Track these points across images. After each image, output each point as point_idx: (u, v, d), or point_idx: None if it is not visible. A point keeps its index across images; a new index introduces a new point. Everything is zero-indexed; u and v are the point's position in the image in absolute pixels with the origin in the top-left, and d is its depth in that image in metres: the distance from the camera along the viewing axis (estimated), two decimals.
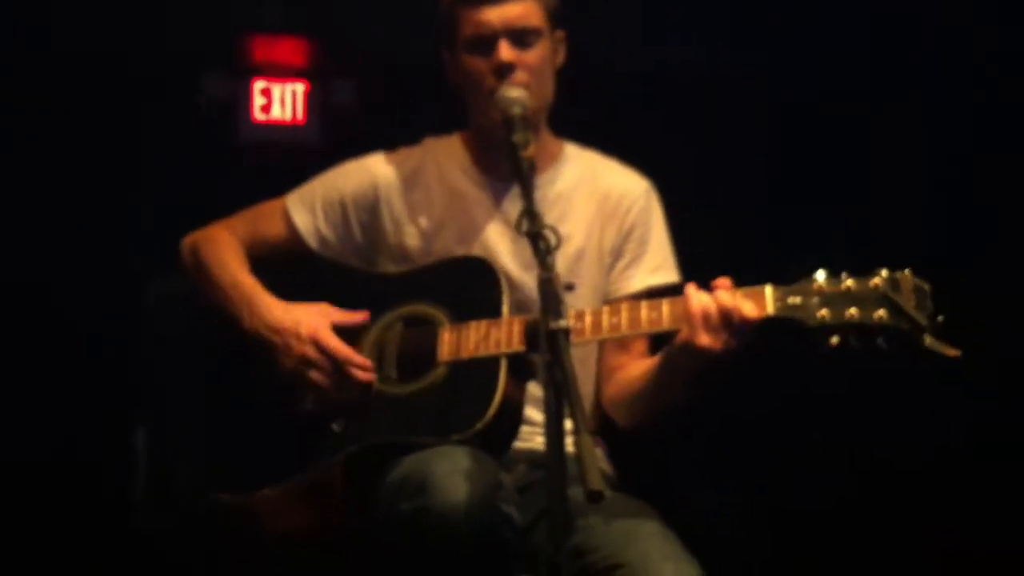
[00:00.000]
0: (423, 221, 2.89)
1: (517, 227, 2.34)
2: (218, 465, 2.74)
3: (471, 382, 2.60)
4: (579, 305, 2.71)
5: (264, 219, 2.97)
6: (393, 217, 2.91)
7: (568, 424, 2.14)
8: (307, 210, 2.93)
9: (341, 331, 2.74)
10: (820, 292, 2.46)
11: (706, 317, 2.48)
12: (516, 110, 2.61)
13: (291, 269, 2.91)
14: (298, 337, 2.68)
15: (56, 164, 4.13)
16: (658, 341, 2.75)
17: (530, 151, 2.51)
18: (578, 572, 2.54)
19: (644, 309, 2.57)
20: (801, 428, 4.23)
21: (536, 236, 2.32)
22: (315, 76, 4.50)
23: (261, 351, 2.74)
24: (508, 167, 2.57)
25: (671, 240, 2.99)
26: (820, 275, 2.47)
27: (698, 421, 3.69)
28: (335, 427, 2.67)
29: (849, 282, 2.45)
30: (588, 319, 2.59)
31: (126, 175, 4.23)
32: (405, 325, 2.75)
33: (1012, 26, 4.19)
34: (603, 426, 2.95)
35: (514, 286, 2.75)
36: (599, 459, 2.84)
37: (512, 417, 2.62)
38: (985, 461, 4.17)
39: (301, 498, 2.64)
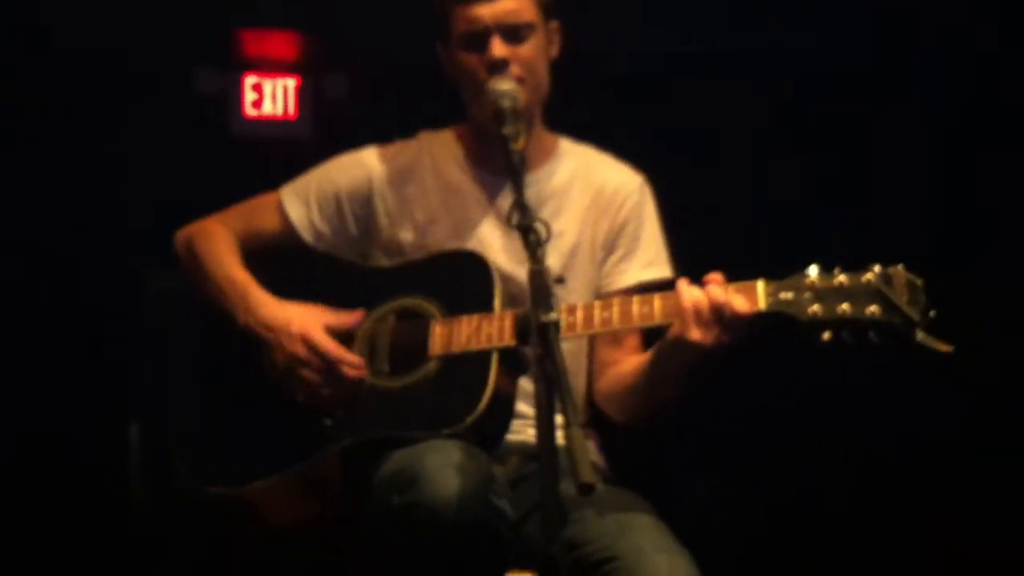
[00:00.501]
0: (417, 215, 2.89)
1: (508, 219, 2.34)
2: (211, 459, 2.74)
3: (462, 376, 2.61)
4: (571, 299, 2.72)
5: (258, 213, 2.96)
6: (387, 210, 2.91)
7: (560, 417, 2.13)
8: (301, 203, 2.93)
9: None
10: (812, 287, 2.46)
11: (697, 312, 2.49)
12: (506, 103, 2.61)
13: (285, 262, 2.91)
14: (289, 335, 2.69)
15: (49, 160, 4.15)
16: (651, 336, 2.75)
17: (520, 144, 2.51)
18: (571, 565, 2.54)
19: (636, 304, 2.58)
20: (795, 420, 4.25)
21: (527, 229, 2.31)
22: (306, 71, 4.49)
23: (254, 346, 2.74)
24: (502, 161, 2.57)
25: (664, 235, 3.00)
26: (812, 270, 2.47)
27: (692, 413, 3.68)
28: (327, 421, 2.67)
29: (841, 277, 2.45)
30: (580, 313, 2.60)
31: (118, 171, 4.23)
32: (397, 318, 2.75)
33: (1012, 26, 4.19)
34: (596, 418, 2.96)
35: (506, 280, 2.74)
36: (590, 452, 2.83)
37: (503, 410, 2.63)
38: (980, 456, 4.20)
39: (294, 491, 2.65)
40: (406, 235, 2.89)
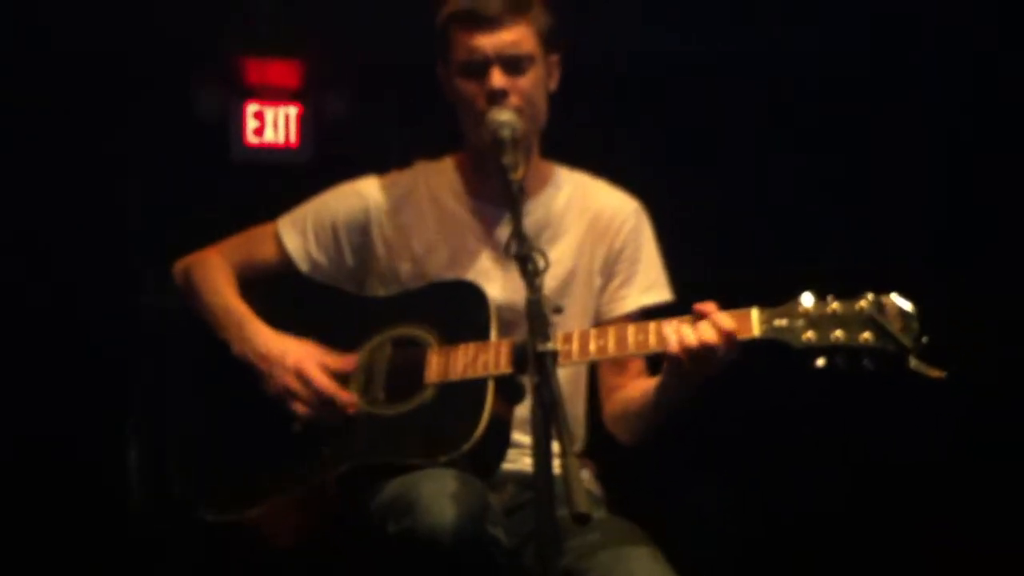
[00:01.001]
0: (414, 245, 2.91)
1: (506, 249, 2.37)
2: (208, 483, 2.77)
3: (459, 404, 2.62)
4: (569, 326, 2.74)
5: (256, 243, 2.99)
6: (384, 240, 2.93)
7: (556, 446, 2.15)
8: (298, 234, 2.95)
9: (330, 348, 2.78)
10: (806, 315, 2.48)
11: (687, 352, 2.51)
12: (506, 133, 2.64)
13: (282, 293, 2.93)
14: (284, 367, 2.71)
15: (53, 181, 4.17)
16: (655, 358, 2.75)
17: (519, 174, 2.53)
18: None
19: (631, 332, 2.60)
20: (793, 426, 4.24)
21: (524, 259, 2.35)
22: (308, 98, 4.50)
23: (252, 372, 2.76)
24: (499, 190, 2.62)
25: (662, 254, 3.02)
26: (806, 298, 2.50)
27: (689, 428, 3.68)
28: (323, 449, 2.68)
29: (835, 305, 2.47)
30: (576, 342, 2.62)
31: (120, 195, 4.26)
32: (394, 347, 2.77)
33: (1012, 26, 4.19)
34: (594, 447, 2.97)
35: (503, 309, 2.76)
36: (586, 481, 2.85)
37: (500, 438, 2.65)
38: (978, 459, 4.20)
39: (290, 516, 2.68)
40: (403, 265, 2.91)
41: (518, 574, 2.55)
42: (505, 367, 2.60)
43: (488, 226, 2.91)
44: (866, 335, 2.42)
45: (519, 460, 2.75)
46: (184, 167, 4.33)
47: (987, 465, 4.18)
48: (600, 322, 2.91)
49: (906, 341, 2.39)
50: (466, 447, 2.55)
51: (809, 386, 3.98)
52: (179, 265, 2.99)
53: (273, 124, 4.48)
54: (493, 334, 2.68)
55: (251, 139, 4.47)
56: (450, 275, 2.86)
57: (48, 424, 4.03)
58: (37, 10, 4.11)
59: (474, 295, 2.75)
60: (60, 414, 4.04)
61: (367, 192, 2.96)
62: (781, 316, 2.49)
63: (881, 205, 4.35)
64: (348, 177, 3.03)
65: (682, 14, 4.38)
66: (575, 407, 2.92)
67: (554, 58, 2.90)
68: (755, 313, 2.51)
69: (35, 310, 4.09)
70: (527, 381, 2.25)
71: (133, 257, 4.12)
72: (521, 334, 2.50)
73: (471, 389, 2.62)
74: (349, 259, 2.94)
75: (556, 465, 2.19)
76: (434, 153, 3.05)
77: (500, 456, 2.67)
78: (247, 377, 2.76)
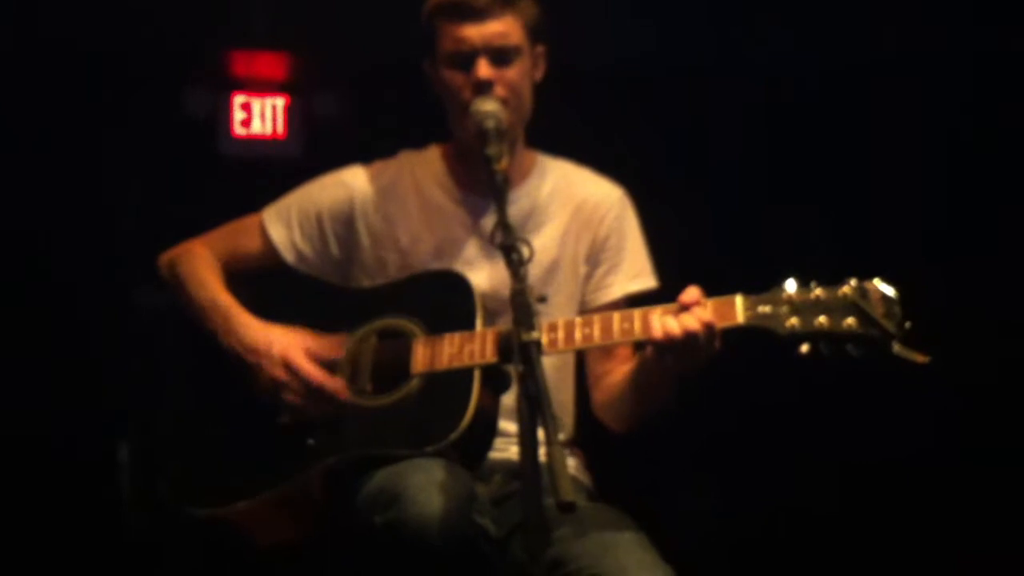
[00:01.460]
0: (399, 235, 2.93)
1: (491, 239, 2.39)
2: (194, 478, 2.77)
3: (445, 394, 2.63)
4: (554, 315, 2.76)
5: (241, 234, 3.00)
6: (369, 230, 2.94)
7: (542, 435, 2.16)
8: (283, 224, 2.96)
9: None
10: (790, 301, 2.50)
11: (670, 341, 2.52)
12: (490, 123, 2.66)
13: (268, 284, 2.94)
14: (270, 357, 2.72)
15: (37, 178, 4.17)
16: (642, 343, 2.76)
17: (504, 164, 2.56)
18: None
19: (616, 320, 2.61)
20: (787, 427, 4.25)
21: (509, 248, 2.37)
22: (296, 90, 4.51)
23: (238, 366, 2.77)
24: (484, 180, 2.63)
25: (649, 244, 3.03)
26: (790, 284, 2.51)
27: (679, 425, 3.69)
28: (310, 441, 2.69)
29: (818, 291, 2.49)
30: (561, 331, 2.63)
31: (107, 189, 4.25)
32: (380, 338, 2.79)
33: (1013, 26, 4.19)
34: (582, 435, 2.99)
35: (488, 299, 2.77)
36: (573, 469, 2.87)
37: (486, 428, 2.66)
38: (974, 460, 4.22)
39: (277, 511, 2.68)
40: (389, 255, 2.92)
41: (506, 564, 2.56)
42: (491, 357, 2.62)
43: (473, 216, 2.92)
44: (850, 321, 2.44)
45: (506, 449, 2.76)
46: (171, 159, 4.33)
47: (982, 464, 4.19)
48: (586, 310, 2.93)
49: (889, 326, 2.41)
50: (453, 437, 2.57)
51: (802, 384, 4.03)
52: (164, 258, 3.00)
53: (260, 116, 4.48)
54: (479, 324, 2.70)
55: (239, 131, 4.47)
56: (436, 265, 2.88)
57: (38, 421, 4.05)
58: (23, 4, 4.11)
59: (460, 285, 2.76)
60: (49, 412, 4.05)
61: (352, 182, 2.98)
62: (765, 303, 2.51)
63: (881, 205, 4.35)
64: (338, 167, 3.04)
65: (681, 14, 4.38)
66: (563, 395, 2.94)
67: (540, 49, 2.92)
68: (739, 300, 2.53)
69: (25, 306, 4.10)
70: (513, 370, 2.26)
71: (121, 251, 4.12)
72: (507, 323, 2.50)
73: (457, 379, 2.63)
74: (334, 249, 2.95)
75: (543, 454, 2.19)
76: (423, 144, 3.06)
77: (487, 446, 2.68)
78: (233, 371, 2.77)
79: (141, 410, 2.95)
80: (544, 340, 2.44)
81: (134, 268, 3.22)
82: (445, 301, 2.75)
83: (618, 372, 2.87)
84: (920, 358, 2.40)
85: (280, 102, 4.50)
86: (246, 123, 4.48)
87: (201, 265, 2.91)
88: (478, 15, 2.79)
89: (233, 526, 2.71)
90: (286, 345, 2.72)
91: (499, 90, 2.79)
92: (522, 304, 2.27)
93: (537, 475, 2.17)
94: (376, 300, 2.84)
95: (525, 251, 2.35)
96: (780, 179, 4.40)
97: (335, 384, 2.69)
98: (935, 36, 4.30)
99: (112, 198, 4.28)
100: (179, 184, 4.31)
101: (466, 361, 2.64)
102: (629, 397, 2.80)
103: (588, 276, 2.96)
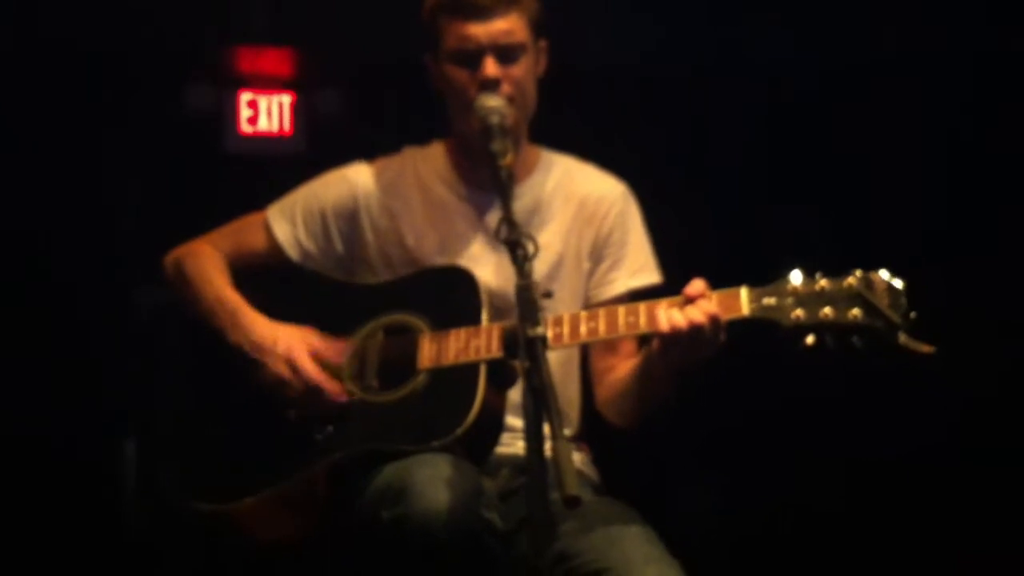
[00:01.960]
0: (403, 231, 2.95)
1: (496, 235, 2.40)
2: (199, 474, 2.80)
3: (451, 389, 2.66)
4: (558, 311, 2.77)
5: (246, 232, 3.02)
6: (373, 227, 2.96)
7: (548, 430, 2.17)
8: (288, 222, 2.98)
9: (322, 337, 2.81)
10: (795, 293, 2.51)
11: (676, 334, 2.53)
12: (495, 119, 2.68)
13: (273, 282, 2.96)
14: (274, 355, 2.75)
15: (41, 177, 4.19)
16: (646, 338, 2.77)
17: (508, 160, 2.58)
18: None
19: (621, 313, 2.63)
20: (790, 424, 4.26)
21: (514, 244, 2.38)
22: (302, 87, 4.52)
23: (244, 364, 2.80)
24: (488, 176, 2.65)
25: (652, 240, 3.05)
26: (795, 276, 2.53)
27: (684, 421, 3.72)
28: (317, 436, 2.72)
29: (823, 282, 2.50)
30: (566, 325, 2.65)
31: (113, 187, 4.27)
32: (386, 334, 2.81)
33: (1012, 26, 4.19)
34: (589, 430, 3.00)
35: (494, 295, 2.79)
36: (580, 464, 2.88)
37: (492, 423, 2.68)
38: (976, 458, 4.23)
39: (282, 508, 2.70)
40: (393, 251, 2.94)
41: (512, 558, 2.56)
42: (496, 351, 2.63)
43: (477, 211, 2.95)
44: (855, 312, 2.45)
45: (513, 444, 2.79)
46: (177, 157, 4.34)
47: (983, 463, 4.21)
48: (589, 306, 2.94)
49: (895, 317, 2.42)
50: (459, 432, 2.58)
51: (804, 383, 4.05)
52: (169, 258, 3.02)
53: (267, 113, 4.50)
54: (485, 319, 2.72)
55: (245, 128, 4.49)
56: (440, 261, 2.90)
57: (38, 421, 4.06)
58: (26, 3, 4.12)
59: (465, 280, 2.78)
60: (50, 411, 4.07)
61: (355, 179, 2.99)
62: (770, 295, 2.52)
63: (880, 205, 4.35)
64: (343, 164, 3.06)
65: (682, 13, 4.39)
66: (568, 390, 2.95)
67: (542, 44, 2.94)
68: (744, 292, 2.54)
69: (25, 305, 4.12)
70: (519, 366, 2.27)
71: (125, 249, 4.14)
72: (512, 319, 2.51)
73: (463, 374, 2.65)
74: (339, 246, 2.97)
75: (549, 449, 2.18)
76: (430, 140, 3.08)
77: (493, 440, 2.70)
78: (240, 368, 2.80)
79: (146, 407, 2.97)
80: (549, 335, 2.45)
81: (138, 266, 3.24)
82: (451, 297, 2.77)
83: (621, 368, 2.89)
84: (925, 348, 2.41)
85: (287, 99, 4.52)
86: (252, 120, 4.50)
87: (207, 264, 2.94)
88: (484, 13, 2.81)
89: (236, 523, 2.73)
90: (290, 343, 2.75)
91: (505, 88, 2.81)
92: (527, 300, 2.28)
93: (543, 470, 2.18)
94: (382, 296, 2.86)
95: (530, 247, 2.36)
96: (780, 179, 4.41)
97: (334, 387, 2.72)
98: (935, 36, 4.31)
99: (116, 196, 4.30)
100: (185, 181, 4.32)
101: (472, 356, 2.66)
102: (632, 393, 2.81)
103: (591, 272, 2.98)
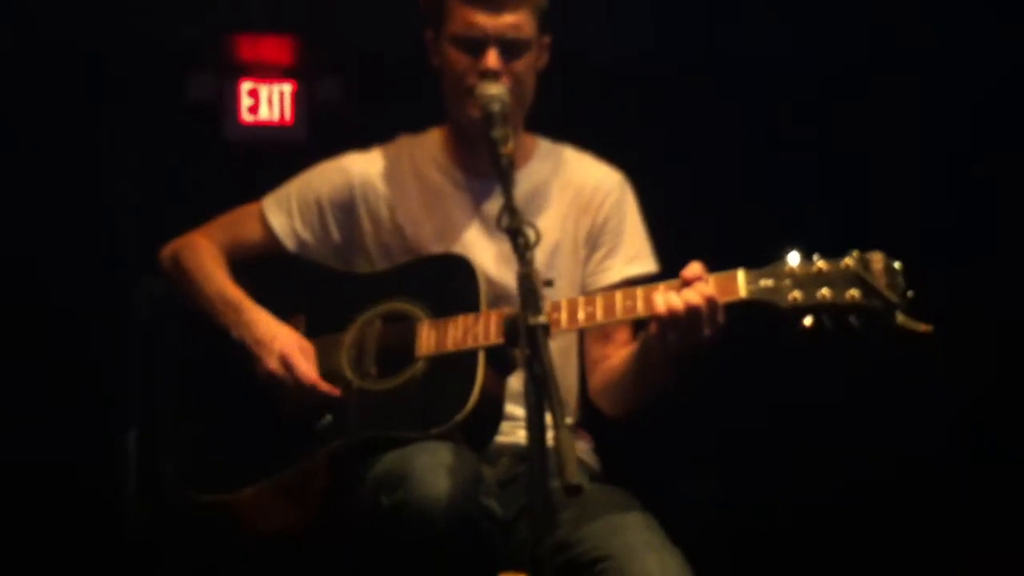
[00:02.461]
0: (400, 219, 2.97)
1: (497, 223, 2.41)
2: (199, 464, 2.83)
3: (450, 376, 2.68)
4: (556, 298, 2.77)
5: (242, 224, 3.05)
6: (370, 216, 2.98)
7: (549, 418, 2.18)
8: (283, 212, 3.01)
9: (321, 325, 2.84)
10: (792, 274, 2.52)
11: (674, 317, 2.54)
12: (495, 106, 2.68)
13: (270, 272, 2.98)
14: (270, 351, 2.77)
15: (43, 168, 4.21)
16: (640, 329, 2.80)
17: (509, 147, 2.58)
18: (563, 565, 2.60)
19: (619, 298, 2.65)
20: (790, 419, 4.29)
21: (515, 232, 2.38)
22: (303, 75, 4.54)
23: (245, 353, 2.83)
24: (485, 163, 2.68)
25: (649, 230, 3.06)
26: (792, 258, 2.54)
27: (684, 412, 3.74)
28: (316, 426, 2.75)
29: (821, 263, 2.51)
30: (564, 310, 2.67)
31: (114, 177, 4.28)
32: (384, 322, 2.83)
33: (1013, 25, 4.19)
34: (589, 419, 3.02)
35: (492, 282, 2.82)
36: (581, 452, 2.91)
37: (492, 410, 2.70)
38: (975, 457, 4.26)
39: (283, 496, 2.74)
40: (390, 240, 2.96)
41: (512, 546, 2.59)
42: (495, 338, 2.65)
43: (474, 199, 2.97)
44: (853, 292, 2.46)
45: (513, 433, 2.82)
46: (179, 147, 4.36)
47: (982, 462, 4.23)
48: (584, 293, 2.96)
49: (892, 297, 2.43)
50: (458, 418, 2.61)
51: (809, 378, 4.07)
52: (166, 252, 3.05)
53: (268, 102, 4.51)
54: (483, 306, 2.74)
55: (246, 117, 4.50)
56: (437, 248, 2.92)
57: (40, 425, 4.08)
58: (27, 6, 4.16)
59: (463, 267, 2.81)
60: (50, 404, 4.09)
61: (351, 168, 3.02)
62: (767, 276, 2.53)
63: (880, 205, 4.35)
64: (343, 153, 3.07)
65: (683, 11, 4.39)
66: (568, 379, 2.97)
67: (546, 39, 2.95)
68: (741, 274, 2.56)
69: (27, 296, 4.14)
70: (518, 354, 2.29)
71: (127, 239, 4.16)
72: (511, 307, 2.53)
73: (462, 361, 2.67)
74: (335, 236, 2.99)
75: (550, 437, 2.21)
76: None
77: (493, 427, 2.73)
78: (240, 359, 2.82)
79: (146, 398, 3.00)
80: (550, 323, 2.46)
81: (139, 258, 3.26)
82: (449, 284, 2.79)
83: (616, 357, 2.91)
84: (923, 328, 2.42)
85: (287, 88, 4.54)
86: (253, 109, 4.51)
87: (205, 258, 2.96)
88: (495, 4, 2.82)
89: (236, 514, 2.77)
90: (287, 342, 2.78)
91: (505, 80, 2.82)
92: (529, 288, 2.29)
93: (544, 458, 2.19)
94: (380, 285, 2.88)
95: (531, 234, 2.36)
96: (780, 178, 4.40)
97: (327, 387, 2.74)
98: (935, 36, 4.29)
99: (117, 185, 4.32)
100: (187, 171, 4.34)
101: (470, 343, 2.68)
102: (628, 381, 2.83)
103: (587, 259, 3.00)
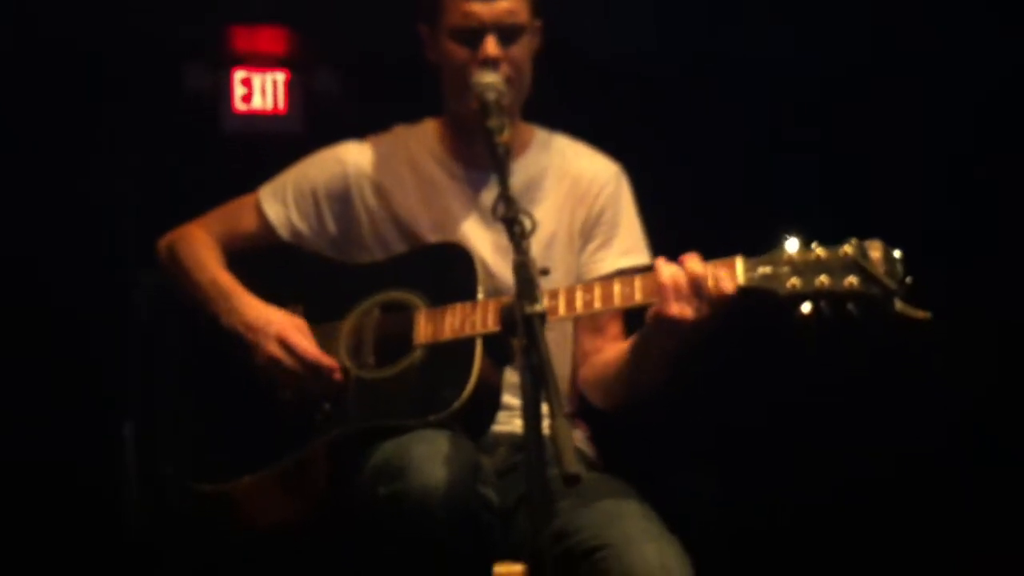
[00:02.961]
0: (396, 209, 3.01)
1: (493, 212, 2.44)
2: (198, 455, 2.88)
3: (448, 364, 2.72)
4: (553, 287, 2.79)
5: (238, 215, 3.09)
6: (366, 206, 3.02)
7: (546, 408, 2.22)
8: (279, 203, 3.05)
9: (318, 315, 2.88)
10: (790, 262, 2.56)
11: (676, 286, 2.58)
12: (491, 95, 2.73)
13: (267, 263, 3.02)
14: (267, 335, 2.81)
15: (37, 158, 4.25)
16: (632, 325, 2.85)
17: (505, 137, 2.61)
18: (561, 555, 2.63)
19: (616, 285, 2.69)
20: (787, 412, 4.31)
21: (511, 221, 2.42)
22: (296, 65, 4.58)
23: (241, 343, 2.87)
24: (481, 153, 2.73)
25: (642, 223, 3.11)
26: (790, 245, 2.58)
27: (683, 407, 3.78)
28: (314, 415, 2.79)
29: (819, 251, 2.55)
30: (561, 297, 2.71)
31: (108, 168, 4.32)
32: (382, 311, 2.87)
33: (1013, 25, 4.23)
34: (585, 408, 3.07)
35: (489, 272, 2.86)
36: (578, 441, 2.95)
37: (489, 398, 2.75)
38: (974, 455, 4.29)
39: (281, 487, 2.78)
40: (386, 230, 3.00)
41: (510, 535, 2.63)
42: (493, 326, 2.69)
43: (470, 189, 3.01)
44: (851, 279, 2.49)
45: (510, 422, 2.86)
46: (173, 137, 4.39)
47: (981, 462, 4.27)
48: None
49: (891, 284, 2.46)
50: (456, 406, 2.65)
51: (813, 378, 4.10)
52: (162, 243, 3.09)
53: (261, 91, 4.55)
54: (481, 295, 2.78)
55: (239, 106, 4.54)
56: (434, 238, 2.96)
57: (38, 417, 4.10)
58: None
59: (460, 256, 2.85)
60: (50, 408, 4.12)
61: (347, 158, 3.06)
62: (766, 263, 2.57)
63: (879, 205, 4.39)
64: (337, 142, 3.11)
65: (684, 10, 4.43)
66: (563, 368, 3.01)
67: (538, 24, 3.00)
68: (740, 261, 2.59)
69: (24, 288, 4.16)
70: (516, 343, 2.30)
71: (123, 231, 4.19)
72: (508, 296, 2.56)
73: (460, 350, 2.71)
74: (331, 226, 3.04)
75: (547, 427, 2.23)
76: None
77: (491, 416, 2.77)
78: (236, 350, 2.86)
79: (146, 389, 3.03)
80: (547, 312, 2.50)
81: (136, 247, 3.29)
82: (446, 273, 2.84)
83: (608, 350, 2.95)
84: (921, 314, 2.45)
85: (280, 77, 4.57)
86: (247, 98, 4.55)
87: (200, 247, 3.00)
88: None
89: (235, 504, 2.80)
90: (284, 324, 2.82)
91: (504, 68, 2.87)
92: (525, 277, 2.32)
93: (541, 447, 2.22)
94: (377, 274, 2.93)
95: (527, 223, 2.40)
96: (782, 180, 4.45)
97: (329, 361, 2.78)
98: (937, 38, 4.34)
99: (113, 175, 4.34)
100: (181, 160, 4.37)
101: (468, 331, 2.72)
102: (622, 376, 2.86)
103: (582, 250, 3.04)
